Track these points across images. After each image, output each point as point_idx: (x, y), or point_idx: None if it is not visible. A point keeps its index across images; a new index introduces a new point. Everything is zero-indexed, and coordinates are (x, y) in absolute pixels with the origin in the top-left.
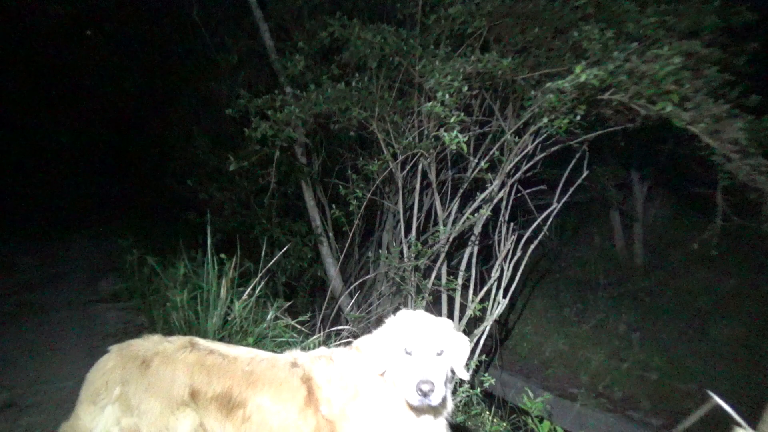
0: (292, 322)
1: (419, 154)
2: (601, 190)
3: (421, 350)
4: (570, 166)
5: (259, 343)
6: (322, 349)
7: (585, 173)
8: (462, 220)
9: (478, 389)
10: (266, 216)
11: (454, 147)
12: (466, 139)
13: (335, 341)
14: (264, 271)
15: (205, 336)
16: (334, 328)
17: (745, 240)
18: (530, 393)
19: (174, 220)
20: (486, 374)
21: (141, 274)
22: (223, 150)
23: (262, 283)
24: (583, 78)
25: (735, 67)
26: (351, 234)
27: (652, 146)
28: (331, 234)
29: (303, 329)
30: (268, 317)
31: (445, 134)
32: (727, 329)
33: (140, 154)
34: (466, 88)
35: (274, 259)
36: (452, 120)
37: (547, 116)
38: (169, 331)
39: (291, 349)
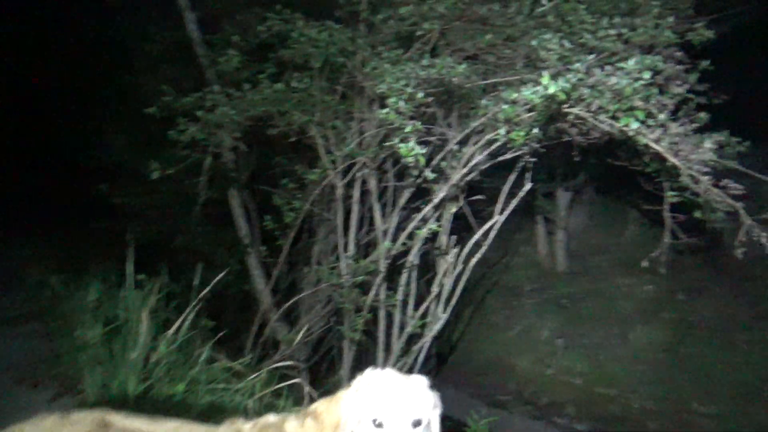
0: (231, 364)
1: (362, 162)
2: (530, 199)
3: (394, 422)
4: (512, 178)
5: (190, 391)
6: (271, 417)
7: (528, 185)
8: (404, 235)
9: None
10: (191, 226)
11: (411, 159)
12: (424, 151)
13: (277, 383)
14: (197, 300)
15: (123, 385)
16: (275, 365)
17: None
18: (474, 415)
19: (86, 229)
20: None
21: (43, 295)
22: (142, 152)
23: (192, 314)
24: (551, 90)
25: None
26: (287, 247)
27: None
28: (260, 246)
29: (240, 368)
30: (201, 358)
31: (402, 145)
32: (647, 334)
33: (48, 150)
34: (421, 95)
35: (201, 278)
36: (407, 129)
37: (503, 127)
38: (76, 371)
39: (227, 394)
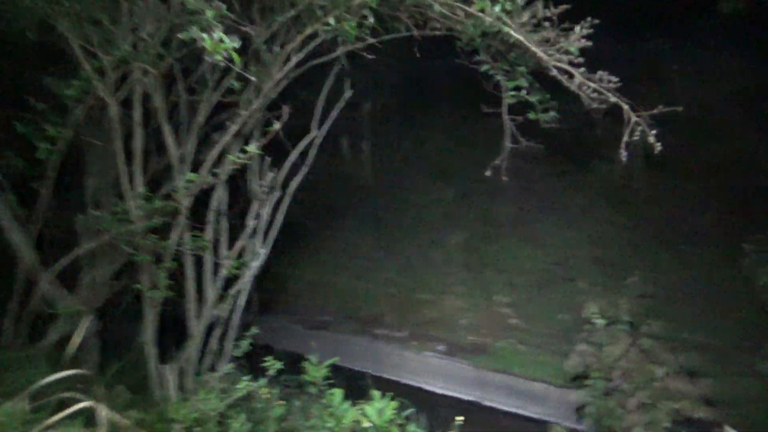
0: None
1: (141, 70)
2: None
3: None
4: (328, 84)
5: None
6: None
7: (348, 93)
8: (209, 162)
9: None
10: None
11: (220, 57)
12: (238, 44)
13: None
14: None
15: None
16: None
17: (462, 152)
18: (312, 359)
19: None
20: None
21: None
22: None
23: None
24: None
25: None
26: (47, 189)
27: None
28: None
29: None
30: None
31: (205, 36)
32: (455, 236)
33: None
34: None
35: None
36: (209, 14)
37: (332, 16)
38: None
39: None
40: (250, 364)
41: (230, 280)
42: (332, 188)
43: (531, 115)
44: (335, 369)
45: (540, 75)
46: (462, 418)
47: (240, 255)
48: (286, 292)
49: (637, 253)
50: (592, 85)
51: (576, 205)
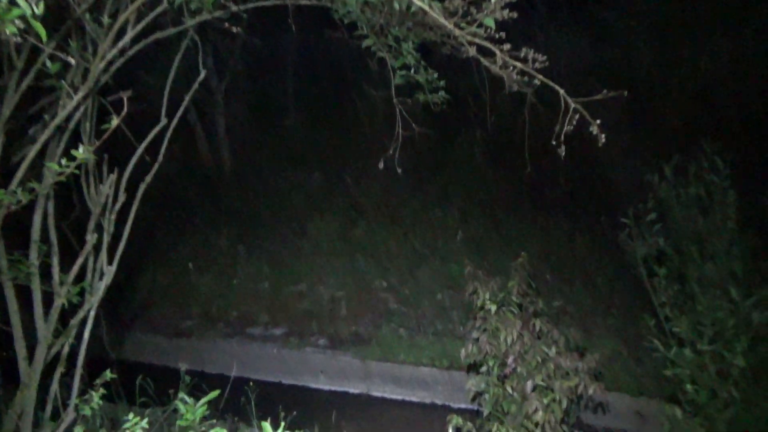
0: None
1: None
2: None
3: None
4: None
5: None
6: None
7: (202, 74)
8: (22, 170)
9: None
10: None
11: (12, 29)
12: (40, 12)
13: None
14: None
15: None
16: None
17: (325, 136)
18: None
19: None
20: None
21: None
22: None
23: None
24: None
25: None
26: None
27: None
28: None
29: None
30: None
31: None
32: (322, 224)
33: None
34: None
35: None
36: None
37: None
38: None
39: None
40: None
41: (73, 307)
42: (183, 181)
43: (420, 97)
44: (210, 378)
45: (429, 52)
46: None
47: (81, 277)
48: (141, 303)
49: (511, 231)
50: (518, 65)
51: (441, 184)
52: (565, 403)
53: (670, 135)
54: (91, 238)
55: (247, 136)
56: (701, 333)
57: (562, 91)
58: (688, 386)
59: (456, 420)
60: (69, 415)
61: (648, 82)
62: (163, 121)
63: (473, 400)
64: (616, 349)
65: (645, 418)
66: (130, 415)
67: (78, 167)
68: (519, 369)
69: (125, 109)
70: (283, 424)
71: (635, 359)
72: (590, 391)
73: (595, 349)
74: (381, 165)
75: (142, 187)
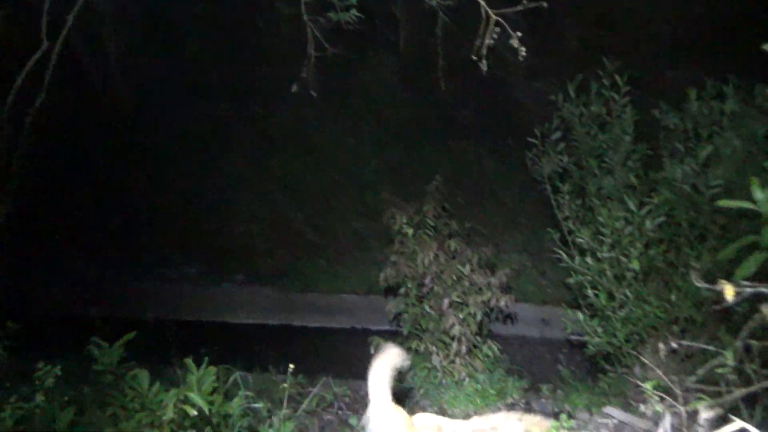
0: None
1: None
2: None
3: None
4: None
5: None
6: None
7: None
8: None
9: None
10: None
11: None
12: None
13: None
14: None
15: None
16: None
17: (229, 62)
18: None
19: None
20: None
21: None
22: None
23: None
24: None
25: None
26: None
27: None
28: None
29: None
30: None
31: None
32: (234, 156)
33: None
34: None
35: None
36: None
37: None
38: None
39: None
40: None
41: None
42: (75, 114)
43: (332, 16)
44: (126, 324)
45: None
46: None
47: None
48: (42, 248)
49: (424, 155)
50: None
51: (355, 109)
52: (479, 316)
53: (573, 55)
54: None
55: (142, 65)
56: (601, 242)
57: (482, 2)
58: (589, 291)
59: (377, 341)
60: None
61: (552, 2)
62: (44, 44)
63: (393, 320)
64: (523, 264)
65: (549, 324)
66: (40, 364)
67: None
68: (436, 288)
69: None
70: (206, 359)
71: (541, 272)
72: (501, 304)
73: (504, 264)
74: (294, 88)
75: (28, 119)
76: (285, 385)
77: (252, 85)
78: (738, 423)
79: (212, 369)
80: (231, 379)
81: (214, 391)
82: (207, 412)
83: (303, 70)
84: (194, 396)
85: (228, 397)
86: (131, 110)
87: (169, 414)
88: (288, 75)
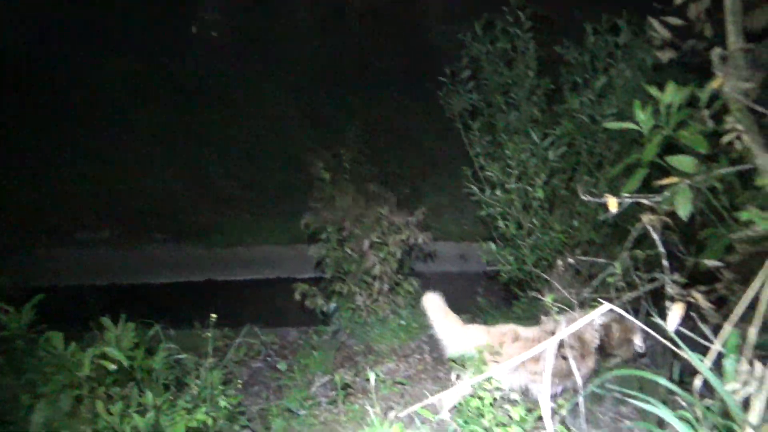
0: None
1: None
2: None
3: None
4: None
5: None
6: None
7: None
8: None
9: None
10: None
11: None
12: None
13: None
14: None
15: None
16: None
17: (137, 13)
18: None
19: None
20: None
21: None
22: None
23: None
24: None
25: None
26: None
27: None
28: None
29: None
30: None
31: None
32: (149, 112)
33: None
34: None
35: None
36: None
37: None
38: None
39: None
40: None
41: None
42: None
43: None
44: (39, 292)
45: None
46: None
47: None
48: None
49: (344, 100)
50: None
51: (269, 56)
52: (398, 254)
53: None
54: None
55: (43, 18)
56: (509, 174)
57: None
58: (500, 222)
59: (301, 288)
60: None
61: None
62: None
63: (317, 266)
64: (442, 203)
65: (467, 259)
66: None
67: None
68: (356, 231)
69: None
70: (123, 316)
71: (459, 210)
72: (419, 241)
73: (423, 204)
74: (194, 29)
75: None
76: (208, 334)
77: (162, 37)
78: (606, 305)
79: (131, 325)
80: (151, 333)
81: (135, 347)
82: (128, 367)
83: (205, 10)
84: (113, 351)
85: (151, 352)
86: (34, 64)
87: (86, 371)
88: (194, 18)
